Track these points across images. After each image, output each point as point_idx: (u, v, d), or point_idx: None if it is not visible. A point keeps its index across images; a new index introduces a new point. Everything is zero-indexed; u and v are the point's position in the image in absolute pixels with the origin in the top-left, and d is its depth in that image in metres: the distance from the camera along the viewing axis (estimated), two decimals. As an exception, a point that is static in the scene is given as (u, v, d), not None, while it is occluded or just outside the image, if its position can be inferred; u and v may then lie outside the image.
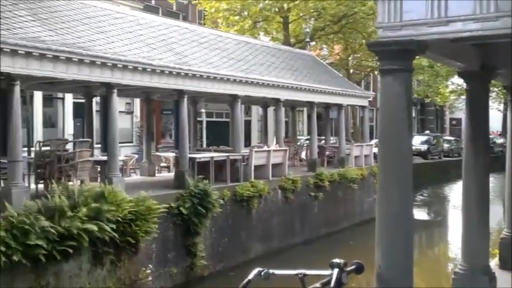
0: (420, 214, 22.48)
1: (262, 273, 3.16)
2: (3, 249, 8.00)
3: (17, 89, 9.31)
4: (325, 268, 3.14)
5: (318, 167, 17.95)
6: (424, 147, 33.59)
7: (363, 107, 22.26)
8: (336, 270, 3.08)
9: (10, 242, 8.14)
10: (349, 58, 32.35)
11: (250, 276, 3.15)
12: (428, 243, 18.95)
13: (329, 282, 3.06)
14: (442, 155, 35.78)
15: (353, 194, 19.26)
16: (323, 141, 21.70)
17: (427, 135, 37.75)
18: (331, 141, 22.53)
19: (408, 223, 5.74)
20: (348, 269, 3.19)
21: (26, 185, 9.95)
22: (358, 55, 31.72)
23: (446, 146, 37.22)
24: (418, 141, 33.84)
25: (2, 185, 9.79)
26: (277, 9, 25.98)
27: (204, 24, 26.59)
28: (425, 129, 46.50)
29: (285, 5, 25.56)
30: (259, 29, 27.37)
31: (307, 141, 21.78)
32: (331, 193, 17.87)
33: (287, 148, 17.04)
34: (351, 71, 33.39)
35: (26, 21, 10.17)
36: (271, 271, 3.19)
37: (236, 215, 13.70)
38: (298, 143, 23.29)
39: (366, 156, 20.67)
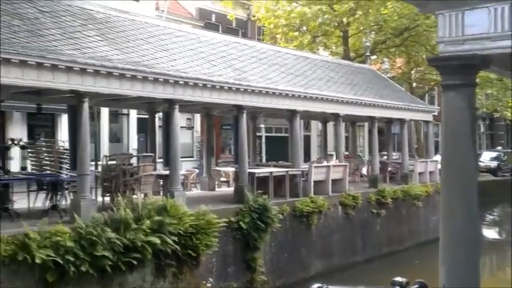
0: (491, 234, 21.42)
1: None
2: (72, 259, 8.34)
3: (86, 106, 9.78)
4: (386, 287, 3.07)
5: (379, 183, 17.56)
6: (494, 164, 32.11)
7: (426, 122, 21.63)
8: (396, 289, 3.01)
9: (78, 253, 8.48)
10: (412, 71, 31.60)
11: None
12: (500, 265, 17.98)
13: (389, 301, 2.99)
14: (514, 172, 34.02)
15: (417, 212, 18.66)
16: (385, 157, 21.23)
17: (498, 152, 36.10)
18: (394, 157, 22.00)
19: (474, 241, 5.51)
20: (410, 288, 3.11)
21: (94, 197, 10.36)
22: (421, 68, 30.93)
23: (518, 162, 35.39)
24: (487, 158, 32.46)
25: (72, 197, 10.25)
26: (336, 24, 25.89)
27: (263, 40, 26.90)
28: (495, 145, 44.37)
29: (345, 19, 25.42)
30: (319, 44, 27.34)
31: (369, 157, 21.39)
32: (394, 210, 17.40)
33: (347, 163, 16.78)
34: (414, 84, 32.59)
35: (95, 41, 10.69)
36: (330, 287, 3.16)
37: (296, 230, 13.61)
38: (359, 159, 22.92)
39: (430, 172, 20.00)
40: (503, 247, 20.48)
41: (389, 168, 19.72)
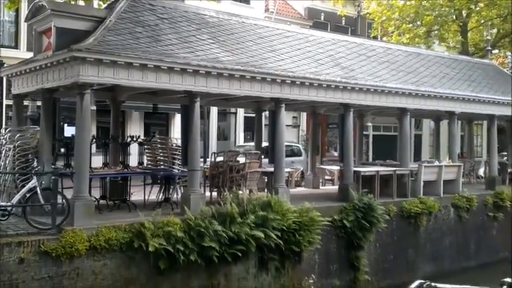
0: None
1: (424, 285, 3.12)
2: (182, 248, 8.94)
3: (197, 106, 10.36)
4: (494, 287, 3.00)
5: (497, 185, 16.48)
6: None
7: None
8: (506, 289, 2.93)
9: (188, 243, 9.07)
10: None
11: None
12: None
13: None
14: None
15: (541, 217, 17.18)
16: (505, 158, 19.78)
17: None
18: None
19: None
20: (522, 289, 3.00)
21: (202, 192, 10.94)
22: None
23: None
24: None
25: (182, 191, 10.92)
26: (454, 17, 24.51)
27: (372, 34, 26.30)
28: None
29: (464, 11, 23.98)
30: (434, 37, 26.10)
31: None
32: (514, 214, 16.21)
33: (461, 164, 15.98)
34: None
35: (207, 44, 11.21)
36: (433, 284, 3.13)
37: (402, 231, 13.28)
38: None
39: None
40: None
41: (509, 170, 18.37)
